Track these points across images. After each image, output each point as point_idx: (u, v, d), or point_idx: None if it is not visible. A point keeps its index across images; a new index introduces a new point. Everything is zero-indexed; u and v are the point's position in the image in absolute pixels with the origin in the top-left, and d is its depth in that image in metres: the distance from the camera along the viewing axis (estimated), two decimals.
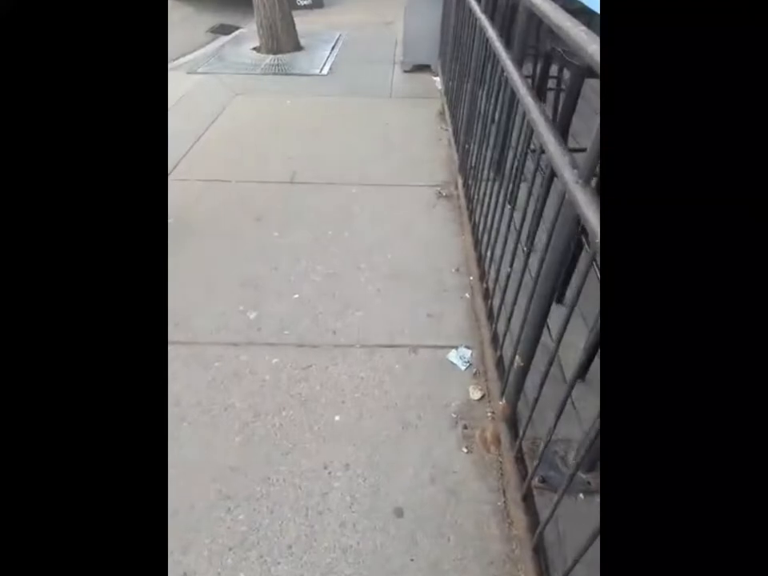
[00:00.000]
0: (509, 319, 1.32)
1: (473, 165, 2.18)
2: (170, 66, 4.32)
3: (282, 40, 4.54)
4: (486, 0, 1.91)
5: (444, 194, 2.50)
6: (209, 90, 3.73)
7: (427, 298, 1.86)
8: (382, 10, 6.29)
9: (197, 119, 3.18)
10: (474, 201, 2.09)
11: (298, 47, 4.73)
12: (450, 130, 2.92)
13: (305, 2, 6.45)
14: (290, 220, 2.29)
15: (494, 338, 1.52)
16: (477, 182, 2.07)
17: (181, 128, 3.06)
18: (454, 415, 1.42)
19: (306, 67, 4.24)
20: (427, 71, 4.13)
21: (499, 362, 1.44)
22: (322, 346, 1.65)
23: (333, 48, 4.83)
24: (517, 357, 1.12)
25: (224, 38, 5.43)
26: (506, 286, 1.38)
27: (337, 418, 1.41)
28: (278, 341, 1.67)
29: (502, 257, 1.42)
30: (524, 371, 1.16)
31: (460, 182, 2.41)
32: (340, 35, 5.26)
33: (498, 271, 1.51)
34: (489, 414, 1.42)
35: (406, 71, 4.16)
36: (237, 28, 5.81)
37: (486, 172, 1.91)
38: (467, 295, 1.87)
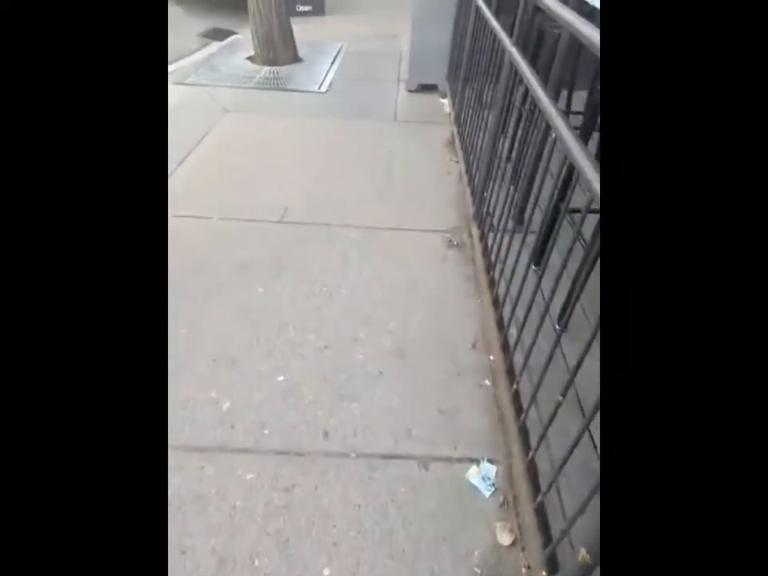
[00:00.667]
0: (544, 431, 1.01)
1: (490, 211, 1.89)
2: None
3: (278, 50, 4.23)
4: (518, 32, 1.62)
5: (455, 243, 2.20)
6: (196, 106, 3.40)
7: (438, 384, 1.54)
8: (387, 21, 6.00)
9: (179, 141, 2.85)
10: (492, 255, 1.79)
11: (296, 58, 4.42)
12: (462, 163, 2.63)
13: (305, 8, 6.16)
14: (278, 270, 1.96)
15: (525, 445, 1.21)
16: (495, 233, 1.78)
17: None
18: (478, 570, 1.11)
19: (304, 82, 3.93)
20: (434, 92, 3.84)
21: (534, 490, 1.13)
22: (309, 453, 1.33)
23: (333, 61, 4.52)
24: (583, 552, 0.80)
25: (217, 44, 5.10)
26: (541, 378, 1.08)
27: (326, 572, 1.09)
28: (255, 445, 1.34)
29: (529, 331, 1.12)
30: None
31: (475, 231, 2.11)
32: (341, 47, 4.96)
33: (527, 355, 1.21)
34: (524, 570, 1.10)
35: (411, 91, 3.87)
36: (232, 33, 5.48)
37: (506, 222, 1.62)
38: (487, 382, 1.56)
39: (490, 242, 1.86)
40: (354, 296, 1.86)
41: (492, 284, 1.76)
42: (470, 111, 2.49)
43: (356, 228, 2.25)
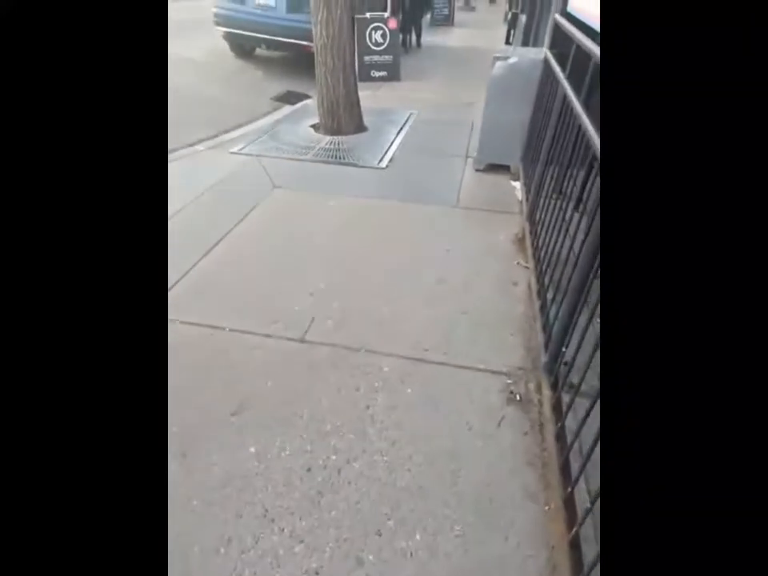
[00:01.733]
0: None
1: (574, 355, 1.35)
2: (218, 140, 3.94)
3: (342, 120, 4.05)
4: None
5: (517, 397, 1.67)
6: (245, 180, 3.21)
7: None
8: (463, 88, 5.78)
9: (214, 224, 2.62)
10: (570, 437, 1.25)
11: (360, 128, 4.22)
12: (532, 276, 2.12)
13: (380, 74, 6.11)
14: (280, 421, 1.54)
15: None
16: (574, 397, 1.24)
17: (193, 233, 2.50)
18: None
19: (364, 156, 3.67)
20: (505, 173, 3.40)
21: None
22: None
23: (400, 130, 4.27)
24: None
25: (288, 108, 5.10)
26: None
27: None
28: None
29: None
30: None
31: (546, 390, 1.57)
32: (410, 115, 4.73)
33: None
34: None
35: (479, 170, 3.46)
36: (305, 96, 5.49)
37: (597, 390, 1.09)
38: None
39: (568, 415, 1.33)
40: (368, 479, 1.38)
41: (568, 486, 1.21)
42: (549, 208, 2.01)
43: (391, 357, 1.80)
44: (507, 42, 8.83)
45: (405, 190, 3.17)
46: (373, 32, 5.90)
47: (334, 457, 1.44)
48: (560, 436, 1.37)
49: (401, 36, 8.04)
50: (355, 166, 3.52)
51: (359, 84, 5.90)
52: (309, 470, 1.39)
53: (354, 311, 2.04)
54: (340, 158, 3.63)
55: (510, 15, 9.32)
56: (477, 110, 4.53)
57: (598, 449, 1.03)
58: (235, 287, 2.16)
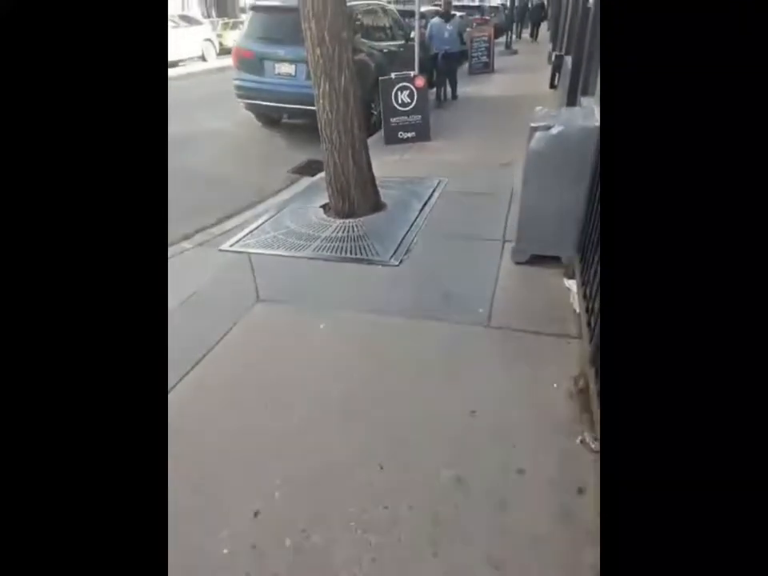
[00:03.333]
0: None
1: None
2: (212, 231, 3.45)
3: (355, 201, 3.46)
4: None
5: None
6: (225, 291, 2.63)
7: None
8: (500, 145, 5.11)
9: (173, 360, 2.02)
10: None
11: (377, 206, 3.61)
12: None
13: (408, 135, 5.58)
14: None
15: None
16: None
17: None
18: None
19: (376, 246, 3.02)
20: (555, 266, 2.62)
21: None
22: None
23: (424, 206, 3.62)
24: None
25: (305, 181, 4.64)
26: None
27: None
28: None
29: None
30: None
31: None
32: (438, 184, 4.09)
33: None
34: None
35: (519, 263, 2.70)
36: None
37: None
38: None
39: None
40: None
41: None
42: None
43: None
44: (552, 86, 8.16)
45: (420, 298, 2.45)
46: (399, 92, 5.42)
47: None
48: None
49: (435, 90, 7.62)
50: (362, 262, 2.87)
51: (386, 147, 5.39)
52: None
53: (326, 521, 1.30)
54: (346, 251, 3.00)
55: (554, 57, 8.70)
56: (517, 172, 3.85)
57: None
58: (174, 473, 1.50)
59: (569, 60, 6.56)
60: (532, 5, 22.01)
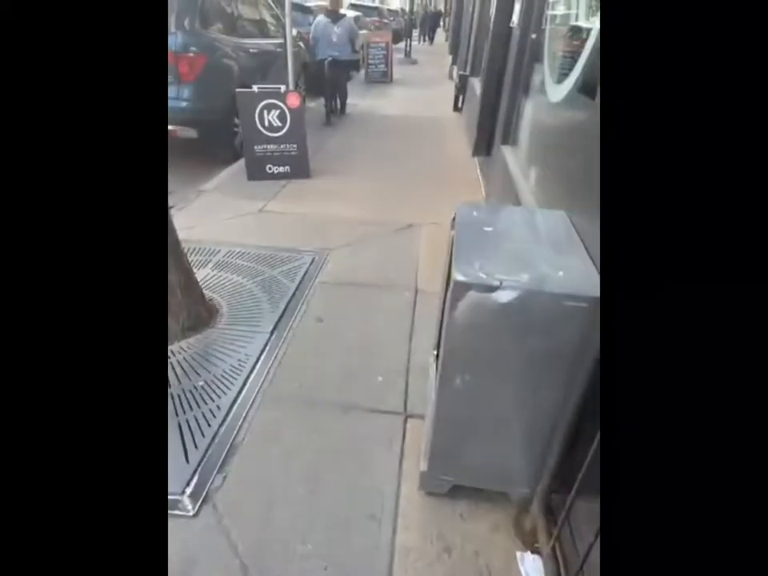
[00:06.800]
0: None
1: None
2: None
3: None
4: None
5: None
6: None
7: None
8: (401, 190, 3.91)
9: None
10: None
11: (200, 323, 2.15)
12: None
13: (279, 169, 4.14)
14: None
15: None
16: None
17: None
18: None
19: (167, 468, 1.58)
20: (497, 509, 1.41)
21: None
22: None
23: (275, 327, 2.22)
24: None
25: None
26: None
27: None
28: None
29: None
30: None
31: None
32: (310, 265, 2.74)
33: None
34: None
35: (432, 494, 1.46)
36: None
37: None
38: None
39: None
40: None
41: None
42: None
43: None
44: (456, 109, 7.24)
45: None
46: (265, 112, 3.95)
47: None
48: None
49: (324, 104, 6.25)
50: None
51: (248, 186, 3.95)
52: None
53: None
54: None
55: (456, 76, 7.81)
56: (422, 239, 2.68)
57: None
58: None
59: (475, 82, 5.62)
60: (429, 13, 21.80)
